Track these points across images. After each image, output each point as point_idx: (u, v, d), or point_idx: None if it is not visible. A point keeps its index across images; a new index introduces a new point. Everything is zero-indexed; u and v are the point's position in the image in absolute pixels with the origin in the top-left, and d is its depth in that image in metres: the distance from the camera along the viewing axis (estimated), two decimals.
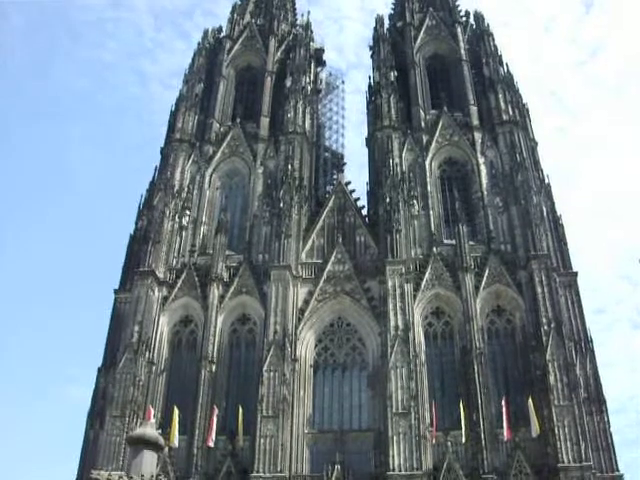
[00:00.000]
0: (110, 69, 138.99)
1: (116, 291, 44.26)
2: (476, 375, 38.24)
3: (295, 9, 67.41)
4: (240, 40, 59.17)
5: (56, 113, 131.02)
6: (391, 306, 40.88)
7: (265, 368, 39.08)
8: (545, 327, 38.91)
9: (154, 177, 49.41)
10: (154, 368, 40.64)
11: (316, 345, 42.23)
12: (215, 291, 43.06)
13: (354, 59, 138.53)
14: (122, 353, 40.02)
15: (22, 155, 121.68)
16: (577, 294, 42.12)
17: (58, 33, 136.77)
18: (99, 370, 41.25)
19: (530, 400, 36.08)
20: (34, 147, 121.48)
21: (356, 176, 55.86)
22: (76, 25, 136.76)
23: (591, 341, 40.27)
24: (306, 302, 42.90)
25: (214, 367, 40.56)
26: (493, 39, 56.35)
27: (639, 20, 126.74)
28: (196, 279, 43.91)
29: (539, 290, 40.41)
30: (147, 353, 40.44)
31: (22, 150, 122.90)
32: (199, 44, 58.75)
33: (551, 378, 37.07)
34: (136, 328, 40.90)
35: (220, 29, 61.28)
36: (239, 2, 64.40)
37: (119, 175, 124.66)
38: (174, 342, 42.82)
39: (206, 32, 60.18)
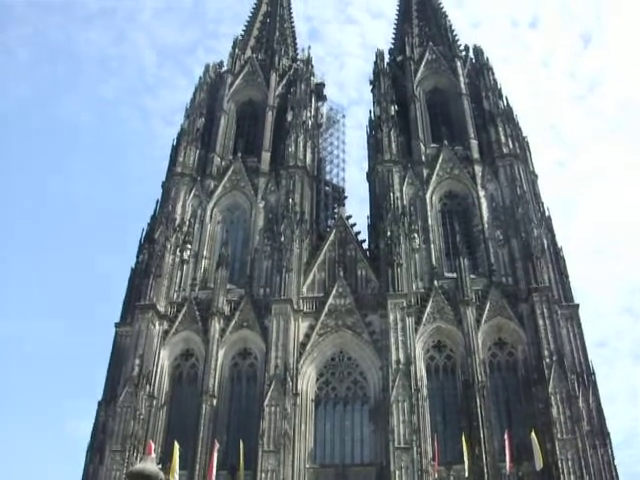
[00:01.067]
0: (112, 105, 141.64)
1: (117, 324, 44.59)
2: (478, 409, 38.49)
3: (296, 44, 68.79)
4: (241, 75, 60.30)
5: (59, 147, 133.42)
6: (392, 340, 41.24)
7: (266, 402, 39.29)
8: (547, 360, 39.25)
9: (155, 211, 50.10)
10: (155, 402, 40.86)
11: (317, 379, 42.51)
12: (216, 325, 43.49)
13: (355, 95, 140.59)
14: (123, 387, 40.29)
15: (24, 187, 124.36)
16: (579, 326, 42.37)
17: (62, 68, 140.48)
18: (99, 404, 41.36)
19: (533, 433, 36.03)
20: (36, 180, 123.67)
21: (357, 210, 56.99)
22: (79, 61, 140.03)
23: (593, 374, 40.33)
24: (307, 336, 43.26)
25: (215, 401, 40.81)
26: (492, 73, 57.47)
27: (637, 54, 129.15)
28: (197, 313, 44.37)
29: (541, 323, 40.80)
30: (148, 387, 40.71)
31: (24, 182, 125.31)
32: (200, 79, 59.84)
33: (554, 411, 37.30)
34: (137, 362, 41.26)
35: (221, 64, 62.45)
36: (240, 37, 65.75)
37: (120, 209, 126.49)
38: (175, 376, 43.13)
39: (207, 67, 61.31)
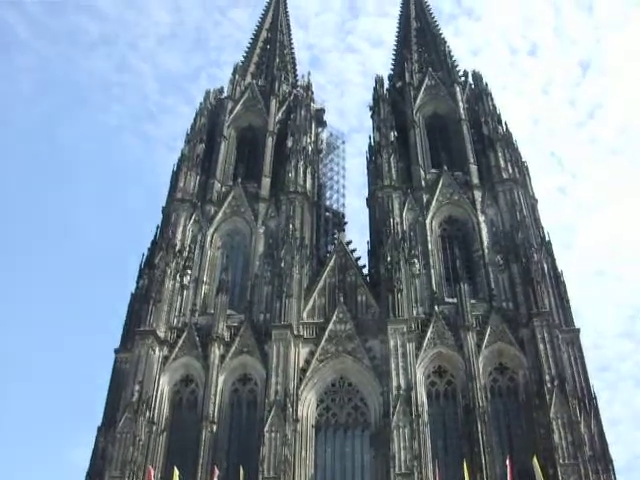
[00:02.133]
0: (115, 132, 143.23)
1: (116, 350, 44.78)
2: (479, 434, 38.70)
3: (296, 70, 69.79)
4: (241, 101, 61.13)
5: (61, 174, 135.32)
6: (393, 365, 41.57)
7: (266, 429, 39.50)
8: (548, 385, 39.46)
9: (156, 236, 50.52)
10: (154, 428, 41.04)
11: (318, 405, 42.71)
12: (216, 351, 43.77)
13: (355, 122, 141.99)
14: (122, 412, 40.43)
15: (26, 211, 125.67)
16: (580, 351, 42.55)
17: (65, 97, 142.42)
18: (99, 429, 41.42)
19: (535, 459, 36.05)
20: (37, 205, 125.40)
21: (357, 235, 57.40)
22: (82, 89, 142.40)
23: (595, 398, 40.40)
24: (307, 362, 43.53)
25: (215, 427, 41.01)
26: (492, 98, 58.35)
27: (636, 80, 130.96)
28: (197, 339, 44.68)
29: (541, 347, 41.07)
30: (147, 413, 40.91)
31: (26, 206, 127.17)
32: (201, 104, 60.63)
33: (555, 436, 37.47)
34: (136, 387, 41.49)
35: (222, 90, 63.25)
36: (240, 63, 66.71)
37: (121, 234, 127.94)
38: (175, 402, 43.32)
39: (208, 93, 62.11)
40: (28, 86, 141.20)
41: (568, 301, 45.10)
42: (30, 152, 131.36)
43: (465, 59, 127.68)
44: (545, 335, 41.60)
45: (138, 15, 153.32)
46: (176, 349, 44.40)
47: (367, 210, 53.60)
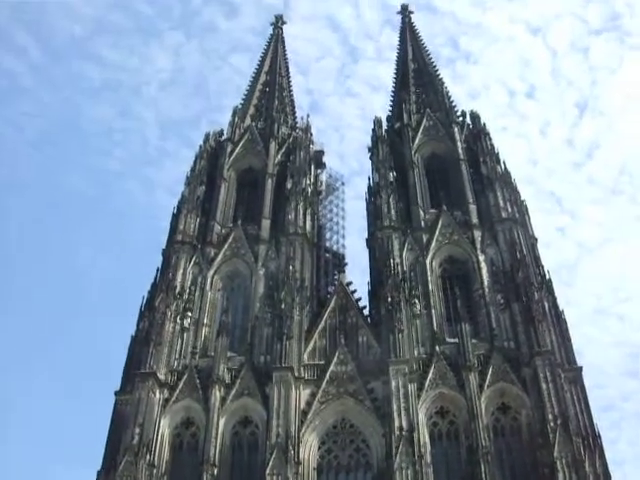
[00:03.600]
0: (117, 177, 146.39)
1: (117, 393, 45.03)
2: (483, 474, 38.68)
3: (295, 112, 70.79)
4: (241, 143, 62.11)
5: (64, 218, 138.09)
6: (395, 406, 41.79)
7: (268, 472, 39.60)
8: (552, 424, 39.56)
9: (156, 278, 51.06)
10: (155, 471, 41.02)
11: (319, 447, 42.80)
12: (217, 393, 43.95)
13: (356, 166, 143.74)
14: (122, 456, 40.54)
15: (28, 256, 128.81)
16: (583, 389, 42.66)
17: (68, 143, 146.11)
18: (98, 473, 41.26)
19: None
20: (40, 249, 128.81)
21: (357, 276, 57.75)
22: (85, 135, 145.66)
23: (599, 437, 40.34)
24: (309, 404, 43.73)
25: (216, 470, 40.99)
26: (490, 138, 59.27)
27: (633, 120, 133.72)
28: (197, 381, 44.87)
29: (544, 386, 41.25)
30: (148, 456, 40.98)
31: (28, 251, 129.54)
32: (200, 147, 61.61)
33: (560, 476, 37.48)
34: (137, 430, 41.70)
35: (221, 132, 64.21)
36: (240, 106, 67.79)
37: (121, 277, 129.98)
38: (175, 445, 43.38)
39: (207, 135, 63.16)
40: (32, 132, 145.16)
41: (570, 339, 45.41)
42: (34, 196, 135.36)
43: (464, 102, 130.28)
44: (547, 374, 41.79)
45: (140, 62, 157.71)
46: (176, 392, 44.59)
47: (367, 251, 54.29)
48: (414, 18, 78.77)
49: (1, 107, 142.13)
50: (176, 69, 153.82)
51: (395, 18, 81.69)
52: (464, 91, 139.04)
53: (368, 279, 52.06)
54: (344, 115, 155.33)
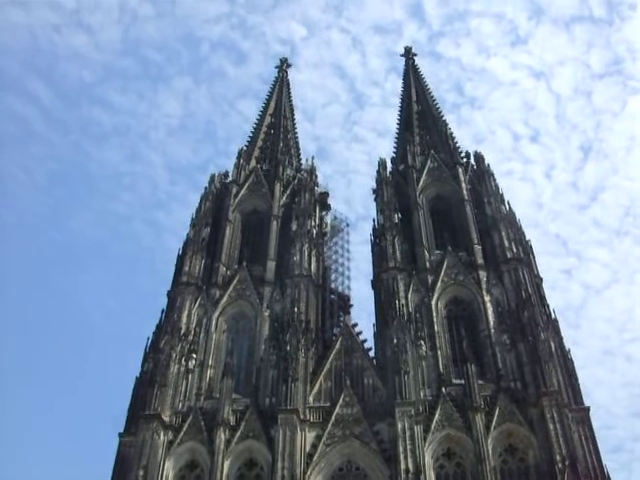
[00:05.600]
0: (125, 220, 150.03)
1: (121, 434, 45.33)
2: None
3: (300, 154, 72.06)
4: (246, 185, 63.15)
5: (71, 261, 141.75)
6: (401, 449, 41.96)
7: None
8: (559, 465, 39.71)
9: (161, 320, 51.65)
10: None
11: None
12: (221, 435, 44.17)
13: (362, 210, 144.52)
14: None
15: (35, 298, 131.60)
16: (590, 429, 42.79)
17: (77, 186, 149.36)
18: None
19: None
20: (47, 291, 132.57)
21: (363, 318, 58.13)
22: (94, 179, 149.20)
23: (609, 478, 40.39)
24: (314, 446, 43.88)
25: None
26: (494, 179, 60.21)
27: (635, 161, 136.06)
28: (202, 423, 45.15)
29: (551, 427, 41.41)
30: None
31: (36, 294, 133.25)
32: (206, 189, 62.64)
33: None
34: (141, 472, 41.95)
35: (226, 174, 65.33)
36: (245, 148, 68.88)
37: (127, 319, 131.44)
38: None
39: (213, 177, 64.22)
40: (41, 175, 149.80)
41: (577, 379, 45.74)
42: (43, 239, 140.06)
43: (469, 146, 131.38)
44: (555, 414, 41.97)
45: (149, 107, 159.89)
46: (181, 433, 44.83)
47: (372, 292, 54.76)
48: (419, 62, 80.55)
49: (12, 151, 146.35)
50: (185, 115, 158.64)
51: (400, 64, 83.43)
52: (469, 135, 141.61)
53: (374, 321, 52.52)
54: (350, 161, 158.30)
